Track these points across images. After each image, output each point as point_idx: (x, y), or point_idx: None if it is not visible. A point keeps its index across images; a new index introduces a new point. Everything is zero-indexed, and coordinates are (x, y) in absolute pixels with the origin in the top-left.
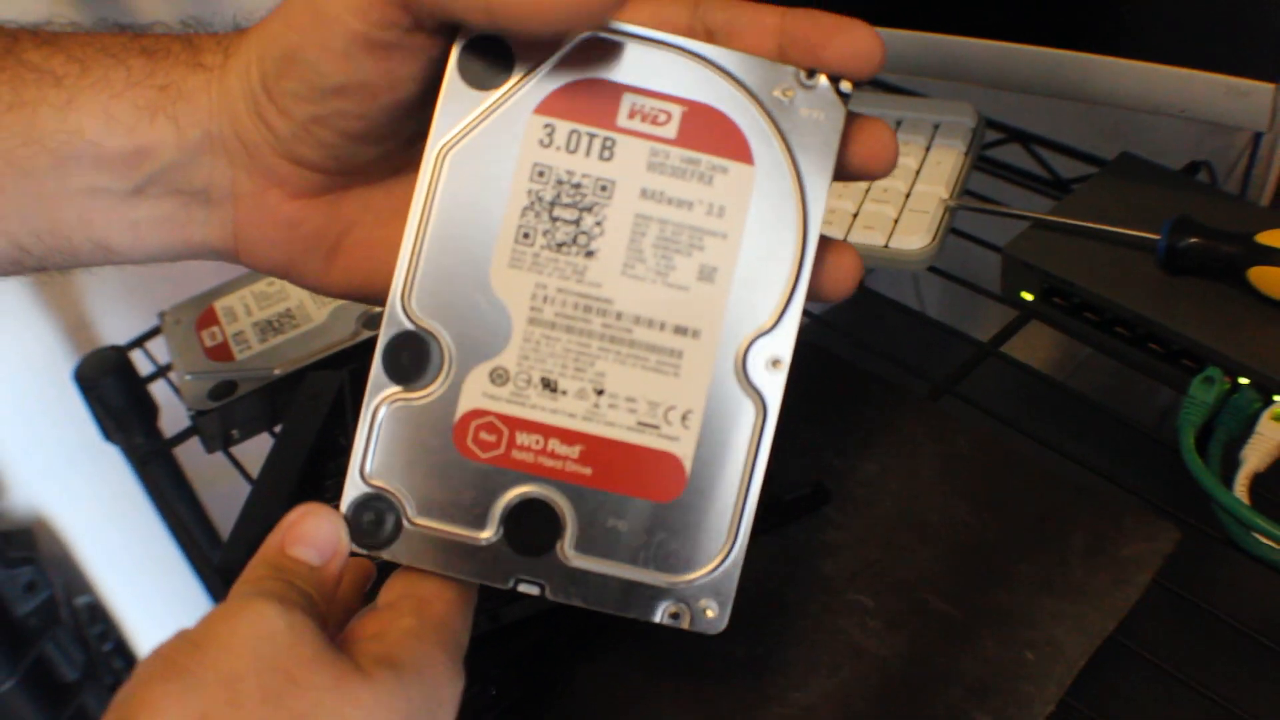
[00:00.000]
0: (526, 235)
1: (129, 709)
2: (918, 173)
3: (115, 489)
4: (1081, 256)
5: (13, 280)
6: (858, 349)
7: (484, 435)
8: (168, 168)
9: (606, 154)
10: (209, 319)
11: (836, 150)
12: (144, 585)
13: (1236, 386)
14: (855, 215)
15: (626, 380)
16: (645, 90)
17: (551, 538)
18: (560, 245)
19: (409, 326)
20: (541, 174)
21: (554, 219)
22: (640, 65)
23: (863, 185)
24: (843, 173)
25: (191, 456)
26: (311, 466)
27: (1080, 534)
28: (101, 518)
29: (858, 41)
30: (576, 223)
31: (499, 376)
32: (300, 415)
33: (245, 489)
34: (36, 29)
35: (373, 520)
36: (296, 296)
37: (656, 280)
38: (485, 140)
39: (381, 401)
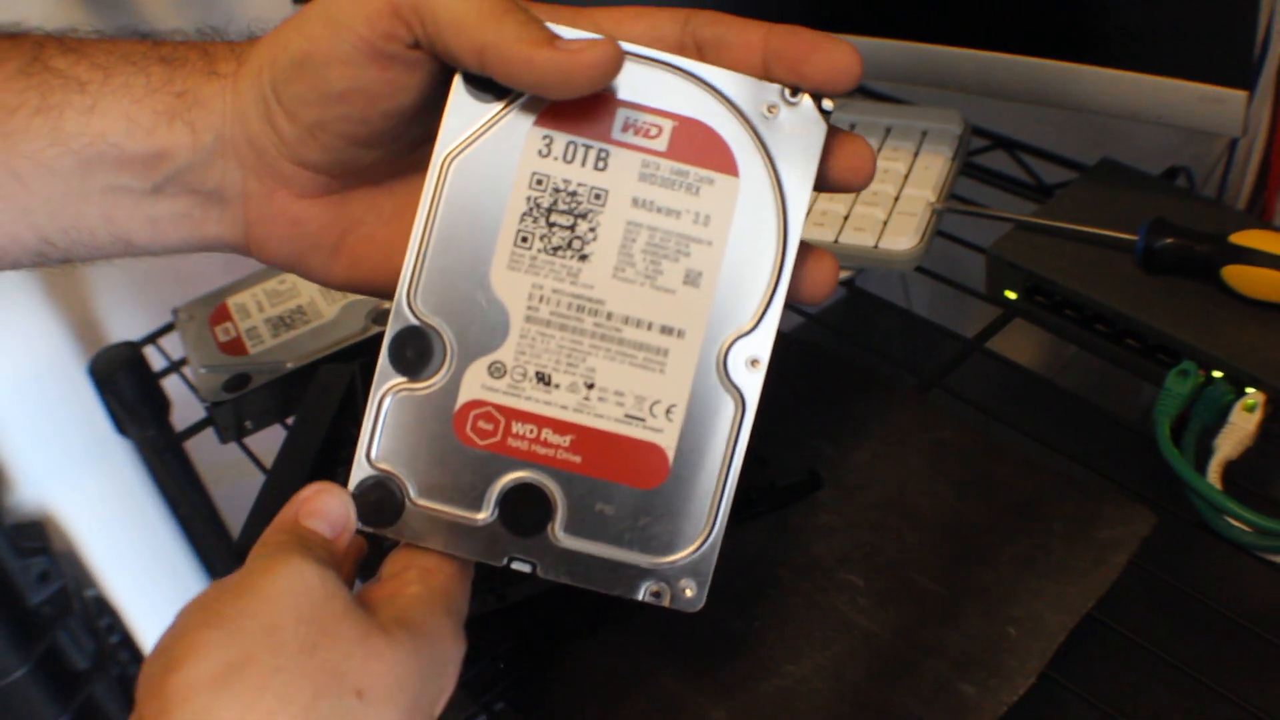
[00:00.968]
0: (525, 239)
1: (173, 655)
2: (906, 177)
3: (122, 485)
4: (1063, 257)
5: (23, 280)
6: (849, 345)
7: (482, 424)
8: (184, 169)
9: (601, 165)
10: (222, 315)
11: (817, 164)
12: (149, 580)
13: (1210, 379)
14: (846, 217)
15: (615, 375)
16: (638, 105)
17: (543, 520)
18: (556, 249)
19: (414, 322)
20: (540, 182)
21: (551, 224)
22: (634, 82)
23: None
24: (823, 184)
25: (201, 453)
26: (324, 455)
27: (1061, 518)
28: (108, 513)
29: (836, 58)
30: (572, 228)
31: (497, 370)
32: (313, 406)
33: (251, 485)
34: (62, 36)
35: (378, 500)
36: (307, 294)
37: (645, 283)
38: (487, 150)
39: (387, 391)
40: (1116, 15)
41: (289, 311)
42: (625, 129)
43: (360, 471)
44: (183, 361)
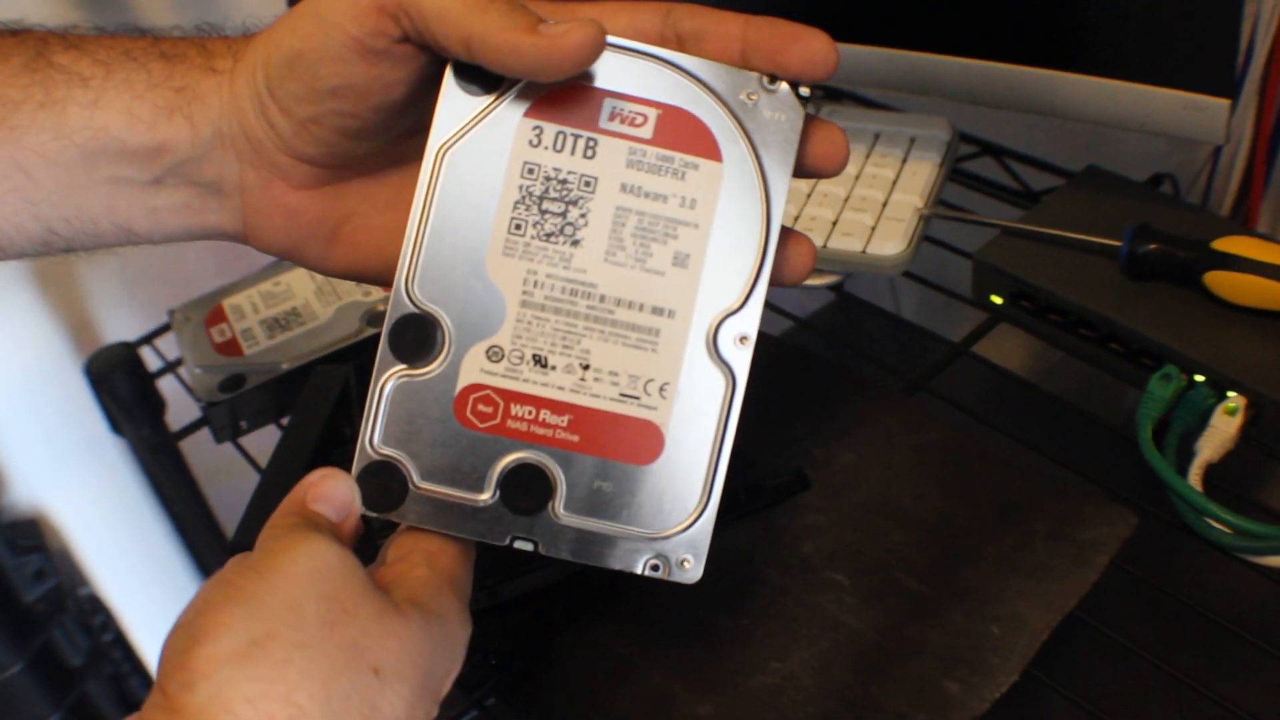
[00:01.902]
0: (518, 226)
1: (196, 630)
2: (894, 183)
3: (117, 484)
4: (1048, 262)
5: (20, 280)
6: (837, 348)
7: (481, 407)
8: (183, 161)
9: (590, 153)
10: (218, 316)
11: (796, 148)
12: (143, 578)
13: (1192, 383)
14: (834, 223)
15: (609, 356)
16: (624, 95)
17: (544, 499)
18: (549, 235)
19: (412, 309)
20: (531, 171)
21: (543, 212)
22: (619, 72)
23: (842, 194)
24: (800, 170)
25: (195, 453)
26: (319, 455)
27: (1044, 519)
28: (103, 511)
29: (813, 48)
30: (563, 215)
31: (494, 354)
32: (308, 406)
33: (246, 485)
34: (65, 33)
35: (381, 484)
36: (302, 295)
37: (635, 266)
38: (480, 141)
39: (388, 378)
40: (1101, 24)
41: (284, 313)
42: (612, 118)
43: (363, 458)
44: (178, 362)
